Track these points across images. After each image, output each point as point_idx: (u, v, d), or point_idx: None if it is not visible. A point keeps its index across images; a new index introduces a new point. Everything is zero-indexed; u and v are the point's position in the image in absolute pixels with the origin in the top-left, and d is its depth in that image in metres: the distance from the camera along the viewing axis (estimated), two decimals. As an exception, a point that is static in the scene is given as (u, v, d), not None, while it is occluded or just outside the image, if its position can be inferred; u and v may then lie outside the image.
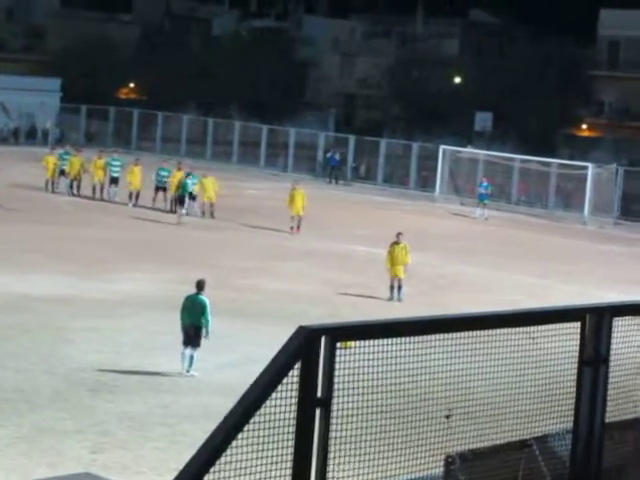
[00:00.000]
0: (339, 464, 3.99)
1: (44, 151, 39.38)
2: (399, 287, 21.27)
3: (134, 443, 12.15)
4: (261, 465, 3.79)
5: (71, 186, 34.52)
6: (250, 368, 14.30)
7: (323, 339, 3.90)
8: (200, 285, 15.33)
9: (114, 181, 33.73)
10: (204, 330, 15.16)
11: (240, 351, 16.13)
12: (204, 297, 15.27)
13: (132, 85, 66.46)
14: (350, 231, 30.53)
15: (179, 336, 15.31)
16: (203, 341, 15.21)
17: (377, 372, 4.22)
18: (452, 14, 69.33)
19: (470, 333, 4.48)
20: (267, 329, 16.95)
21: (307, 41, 69.02)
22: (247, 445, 3.76)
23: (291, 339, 3.85)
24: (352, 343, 4.08)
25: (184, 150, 49.40)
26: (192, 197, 31.93)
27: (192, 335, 15.10)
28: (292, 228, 29.73)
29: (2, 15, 72.97)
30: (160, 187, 32.88)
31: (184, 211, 30.51)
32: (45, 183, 34.77)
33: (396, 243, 21.52)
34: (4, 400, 13.27)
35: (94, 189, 34.08)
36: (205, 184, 32.01)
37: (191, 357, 15.14)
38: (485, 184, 37.47)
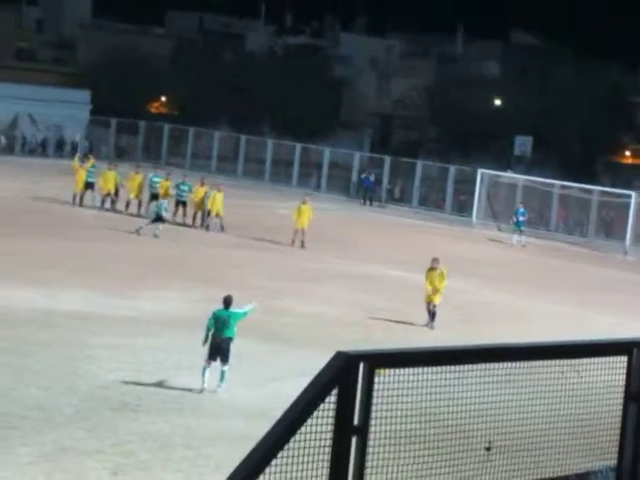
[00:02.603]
0: (375, 495, 3.87)
1: (72, 164, 39.06)
2: (433, 313, 20.94)
3: (156, 465, 11.96)
4: (294, 493, 3.68)
5: (103, 201, 34.09)
6: (278, 392, 14.10)
7: (361, 365, 3.80)
8: (227, 301, 15.34)
9: (155, 197, 33.23)
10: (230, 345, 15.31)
11: (268, 374, 15.96)
12: (235, 311, 15.33)
13: (163, 99, 66.48)
14: (383, 254, 30.31)
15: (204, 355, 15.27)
16: (230, 363, 15.15)
17: (415, 401, 4.10)
18: (493, 35, 69.01)
19: (511, 364, 4.36)
20: (298, 353, 16.78)
21: (343, 59, 68.98)
22: (280, 472, 3.67)
23: (329, 364, 3.76)
24: (386, 370, 3.98)
25: (215, 167, 49.31)
26: (209, 212, 32.10)
27: (225, 349, 15.04)
28: (293, 242, 29.96)
29: (32, 26, 73.61)
30: (180, 201, 33.09)
31: (160, 227, 29.91)
32: (73, 197, 34.48)
33: (432, 269, 21.19)
34: (25, 418, 13.13)
35: (127, 204, 33.73)
36: (217, 198, 32.06)
37: (223, 372, 15.06)
38: (522, 210, 37.10)
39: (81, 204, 34.36)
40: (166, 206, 30.71)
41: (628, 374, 4.58)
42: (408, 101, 65.22)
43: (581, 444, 4.67)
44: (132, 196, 33.89)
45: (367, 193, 45.10)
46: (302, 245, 29.94)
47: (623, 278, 31.33)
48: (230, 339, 15.14)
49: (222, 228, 31.64)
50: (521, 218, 36.46)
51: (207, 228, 32.04)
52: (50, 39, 70.99)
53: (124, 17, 71.92)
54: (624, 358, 4.60)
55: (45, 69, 61.80)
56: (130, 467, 11.77)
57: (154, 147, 52.37)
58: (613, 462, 4.62)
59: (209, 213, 32.08)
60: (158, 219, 29.82)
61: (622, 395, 4.59)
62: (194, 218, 32.41)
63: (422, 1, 78.14)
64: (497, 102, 62.55)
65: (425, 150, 58.73)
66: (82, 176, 34.70)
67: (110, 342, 17.21)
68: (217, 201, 31.94)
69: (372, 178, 45.20)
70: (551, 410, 4.63)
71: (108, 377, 15.20)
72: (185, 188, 33.36)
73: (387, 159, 46.74)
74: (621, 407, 4.59)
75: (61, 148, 51.92)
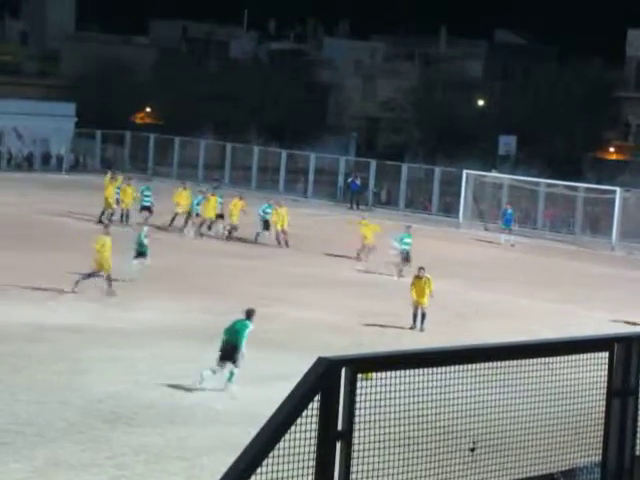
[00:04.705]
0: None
1: (59, 177, 38.50)
2: (422, 315, 21.17)
3: (151, 477, 11.97)
4: (280, 501, 3.70)
5: (122, 216, 33.92)
6: (270, 399, 14.10)
7: (343, 370, 3.81)
8: (249, 313, 16.03)
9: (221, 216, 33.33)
10: (238, 351, 15.74)
11: (260, 381, 15.98)
12: (248, 323, 15.82)
13: (148, 110, 66.34)
14: (372, 258, 30.34)
15: (200, 365, 15.49)
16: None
17: (399, 404, 4.12)
18: (476, 35, 69.05)
19: (495, 364, 4.38)
20: (289, 359, 16.78)
21: (327, 63, 69.05)
22: (266, 480, 3.67)
23: (310, 371, 3.77)
24: (373, 374, 3.99)
25: (201, 175, 49.32)
26: (267, 227, 32.35)
27: (229, 352, 15.55)
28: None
29: (16, 39, 73.48)
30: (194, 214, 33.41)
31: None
32: (101, 214, 33.72)
33: (418, 277, 21.51)
34: (17, 433, 13.09)
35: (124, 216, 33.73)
36: (279, 213, 32.35)
37: (231, 372, 15.51)
38: (509, 211, 37.14)
39: (110, 221, 33.78)
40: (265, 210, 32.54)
41: (610, 370, 4.61)
42: (393, 103, 65.31)
43: (566, 441, 4.69)
44: (181, 211, 33.46)
45: (354, 197, 45.12)
46: (229, 234, 32.04)
47: (611, 274, 31.43)
48: (234, 346, 15.64)
49: (287, 243, 31.35)
50: (508, 218, 36.57)
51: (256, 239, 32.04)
52: (35, 52, 70.87)
53: (107, 28, 71.94)
54: (605, 354, 4.62)
55: (30, 83, 61.67)
56: (125, 480, 11.77)
57: (140, 157, 52.32)
58: (598, 458, 4.64)
59: (268, 227, 32.37)
60: (266, 227, 32.20)
61: (605, 391, 4.62)
62: (228, 231, 32.51)
63: (404, 3, 78.44)
64: (481, 102, 62.71)
65: (411, 152, 58.83)
66: (112, 193, 34.24)
67: (104, 354, 17.20)
68: (281, 216, 32.15)
69: (358, 182, 45.23)
70: (535, 409, 4.65)
71: (102, 390, 15.19)
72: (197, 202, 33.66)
73: (373, 162, 46.80)
74: (604, 403, 4.62)
75: (47, 162, 51.71)
